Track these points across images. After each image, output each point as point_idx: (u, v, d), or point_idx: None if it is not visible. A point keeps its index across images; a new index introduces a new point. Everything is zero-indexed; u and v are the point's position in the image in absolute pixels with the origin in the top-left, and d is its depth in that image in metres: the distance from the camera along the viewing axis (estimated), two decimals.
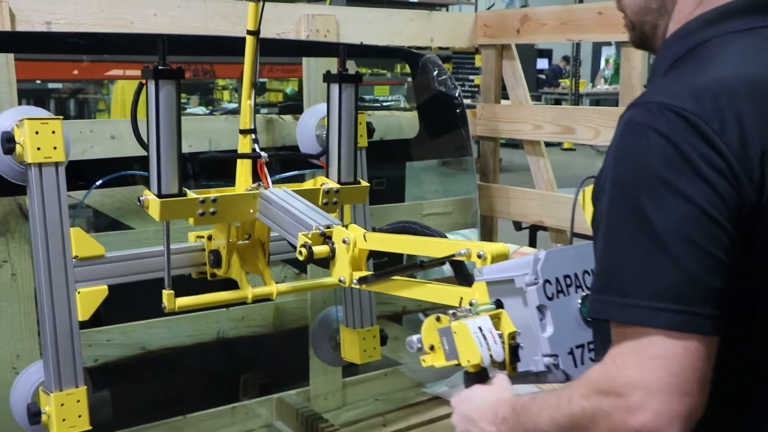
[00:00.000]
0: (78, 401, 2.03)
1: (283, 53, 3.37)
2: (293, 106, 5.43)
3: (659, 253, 1.06)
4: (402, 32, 3.20)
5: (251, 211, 2.06)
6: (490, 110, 3.43)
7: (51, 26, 2.42)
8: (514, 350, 1.42)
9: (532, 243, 4.57)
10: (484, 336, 1.39)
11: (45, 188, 1.97)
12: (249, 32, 2.10)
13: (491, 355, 1.39)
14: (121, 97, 6.56)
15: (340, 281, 1.85)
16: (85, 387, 2.05)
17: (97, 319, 2.65)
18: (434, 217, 3.33)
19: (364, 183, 2.38)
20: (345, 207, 2.41)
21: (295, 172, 2.51)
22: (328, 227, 1.87)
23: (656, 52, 1.35)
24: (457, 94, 3.27)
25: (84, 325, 2.26)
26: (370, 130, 2.65)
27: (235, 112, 8.40)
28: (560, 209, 3.09)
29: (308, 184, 2.31)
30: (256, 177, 2.14)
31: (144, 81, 1.91)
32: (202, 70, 4.60)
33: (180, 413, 2.78)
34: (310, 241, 1.83)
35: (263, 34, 2.79)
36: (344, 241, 1.82)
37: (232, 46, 2.39)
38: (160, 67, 1.89)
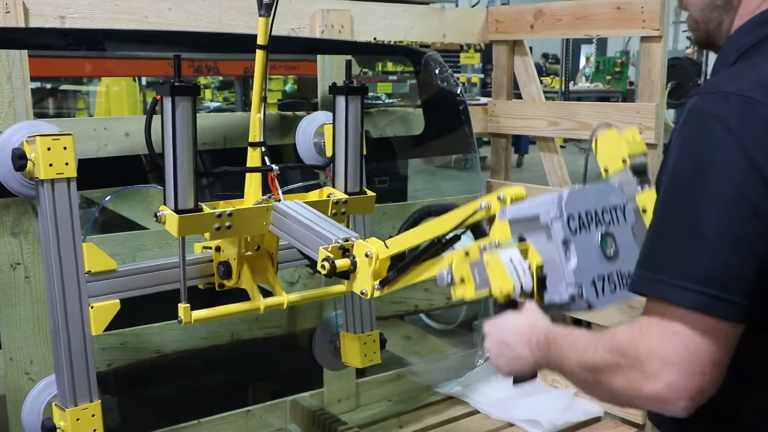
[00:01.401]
0: (93, 415, 1.99)
1: (289, 51, 3.32)
2: (293, 103, 5.37)
3: (698, 238, 1.11)
4: (414, 28, 3.15)
5: (264, 224, 2.04)
6: (502, 107, 3.40)
7: (65, 21, 2.35)
8: (541, 281, 1.49)
9: None
10: (514, 267, 1.47)
11: (57, 205, 1.92)
12: (259, 47, 2.05)
13: (521, 285, 1.46)
14: (105, 98, 6.47)
15: (362, 293, 1.83)
16: (100, 401, 2.01)
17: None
18: None
19: (370, 193, 2.37)
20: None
21: (303, 184, 2.49)
22: (347, 240, 1.86)
23: (720, 48, 1.36)
24: (458, 91, 3.24)
25: None
26: (368, 138, 2.65)
27: (219, 110, 8.31)
28: None
29: (315, 195, 2.30)
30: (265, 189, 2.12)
31: (159, 97, 1.88)
32: (206, 66, 4.53)
33: (194, 417, 2.72)
34: (332, 255, 1.82)
35: (278, 30, 2.77)
36: (367, 255, 1.81)
37: (244, 44, 2.34)
38: (176, 84, 1.85)
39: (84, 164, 2.30)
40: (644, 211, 1.85)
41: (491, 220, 1.59)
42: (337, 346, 2.65)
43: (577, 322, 3.48)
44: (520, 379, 1.53)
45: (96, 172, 2.38)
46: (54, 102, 7.08)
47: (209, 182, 3.03)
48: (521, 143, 12.09)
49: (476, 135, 3.28)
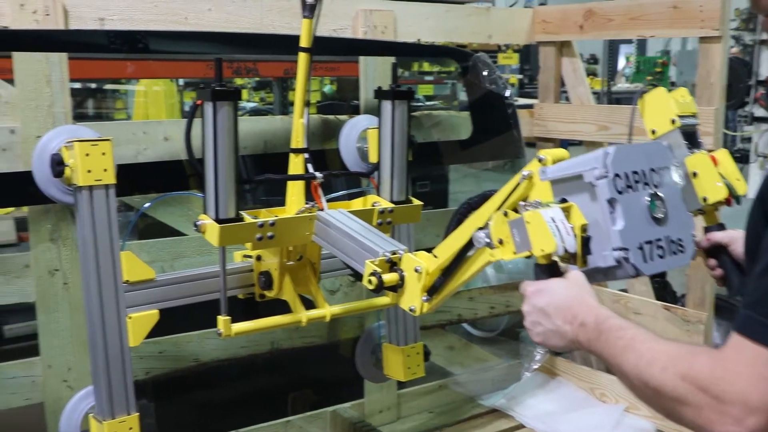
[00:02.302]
0: (130, 428, 1.94)
1: (332, 52, 3.24)
2: (333, 105, 5.30)
3: None
4: (460, 29, 3.06)
5: (307, 233, 1.97)
6: (549, 110, 3.29)
7: (104, 23, 2.30)
8: (585, 242, 1.42)
9: None
10: (557, 227, 1.39)
11: (95, 212, 1.86)
12: (302, 49, 1.97)
13: (564, 246, 1.38)
14: (144, 99, 6.47)
15: (410, 310, 1.75)
16: (138, 414, 1.96)
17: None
18: None
19: (417, 201, 2.28)
20: None
21: (347, 192, 2.40)
22: (394, 253, 1.78)
23: None
24: (507, 94, 3.15)
25: None
26: (413, 143, 2.55)
27: (256, 110, 8.29)
28: None
29: (359, 204, 2.22)
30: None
31: (200, 101, 1.81)
32: (245, 68, 4.48)
33: (232, 427, 2.66)
34: (379, 269, 1.74)
35: (319, 31, 2.70)
36: (416, 270, 1.72)
37: (287, 45, 2.28)
38: (217, 88, 1.79)
39: (123, 169, 2.27)
40: (695, 174, 1.75)
41: None
42: (380, 357, 2.58)
43: None
44: (553, 351, 1.46)
45: (135, 178, 2.33)
46: (94, 102, 7.11)
47: (251, 187, 2.97)
48: (561, 145, 11.92)
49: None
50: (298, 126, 2.00)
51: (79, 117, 6.75)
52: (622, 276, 1.45)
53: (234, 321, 1.98)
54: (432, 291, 1.70)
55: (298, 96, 2.00)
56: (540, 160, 1.50)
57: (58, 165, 1.84)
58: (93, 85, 6.93)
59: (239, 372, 2.81)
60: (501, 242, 1.49)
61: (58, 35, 2.21)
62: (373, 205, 2.14)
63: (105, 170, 1.86)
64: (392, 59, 2.70)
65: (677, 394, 1.13)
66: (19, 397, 2.29)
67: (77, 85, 6.71)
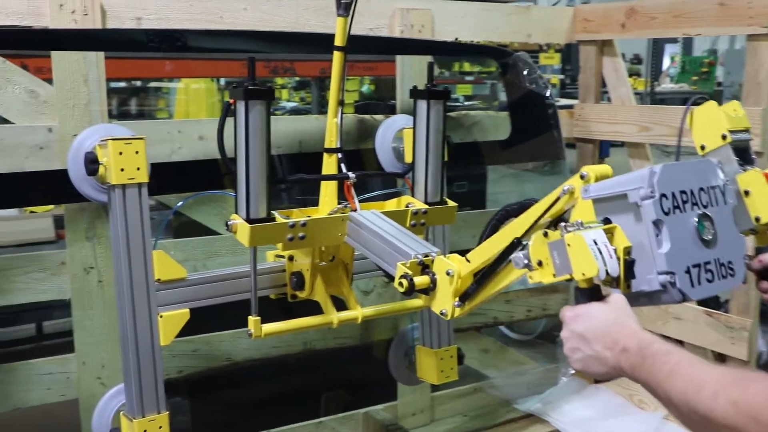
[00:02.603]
0: (160, 427, 1.94)
1: (368, 51, 3.22)
2: (370, 105, 5.28)
3: None
4: (498, 28, 3.02)
5: (340, 234, 1.94)
6: (589, 110, 3.22)
7: (141, 22, 2.31)
8: (629, 266, 1.36)
9: None
10: (599, 249, 1.34)
11: (128, 210, 1.87)
12: (337, 48, 1.95)
13: (606, 270, 1.33)
14: (184, 97, 6.53)
15: (441, 314, 1.71)
16: (167, 413, 1.96)
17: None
18: None
19: (452, 203, 2.24)
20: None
21: (381, 192, 2.37)
22: (427, 255, 1.74)
23: None
24: (548, 94, 3.09)
25: None
26: (449, 144, 2.51)
27: (295, 110, 8.30)
28: None
29: (393, 205, 2.19)
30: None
31: (232, 101, 1.80)
32: (282, 67, 4.49)
33: (264, 427, 2.65)
34: (410, 272, 1.71)
35: (356, 30, 2.68)
36: (448, 273, 1.69)
37: (323, 43, 2.25)
38: (250, 87, 1.77)
39: (157, 168, 2.27)
40: (747, 193, 1.67)
41: None
42: (413, 360, 2.55)
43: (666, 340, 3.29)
44: (596, 378, 1.40)
45: (170, 177, 2.33)
46: (137, 101, 7.21)
47: (287, 186, 2.96)
48: (602, 145, 11.73)
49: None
50: (331, 125, 1.98)
51: (123, 115, 6.87)
52: (668, 301, 1.40)
53: (270, 321, 1.97)
54: (464, 297, 1.66)
55: (332, 95, 1.99)
56: (582, 177, 1.45)
57: (91, 163, 1.85)
58: (137, 83, 7.03)
59: (272, 372, 2.81)
60: (540, 264, 1.44)
61: (99, 34, 2.23)
62: (407, 206, 2.11)
63: (138, 169, 1.86)
64: (429, 58, 2.68)
65: (728, 422, 1.08)
66: (55, 392, 2.31)
67: (121, 84, 6.82)
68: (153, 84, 7.17)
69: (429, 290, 1.69)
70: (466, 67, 12.15)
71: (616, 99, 3.18)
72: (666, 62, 19.16)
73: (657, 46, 17.97)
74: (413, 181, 2.18)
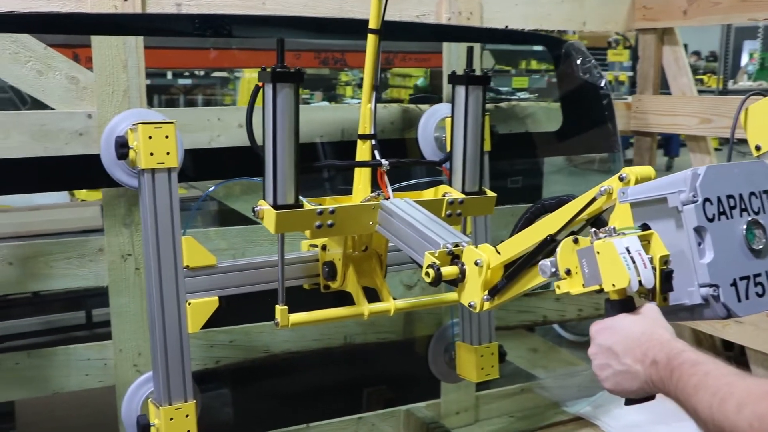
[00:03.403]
0: (187, 416, 1.91)
1: (412, 38, 3.14)
2: (423, 99, 5.20)
3: None
4: (551, 15, 2.91)
5: (371, 223, 1.88)
6: (647, 102, 3.09)
7: (181, 7, 2.29)
8: (666, 277, 1.26)
9: None
10: (632, 258, 1.23)
11: (157, 195, 1.85)
12: (371, 31, 1.89)
13: (640, 281, 1.22)
14: (247, 88, 6.56)
15: (470, 306, 1.63)
16: (195, 401, 1.93)
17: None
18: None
19: (490, 193, 2.16)
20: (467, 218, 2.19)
21: (417, 181, 2.30)
22: (457, 245, 1.66)
23: None
24: (603, 84, 2.96)
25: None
26: (494, 133, 2.45)
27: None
28: None
29: (430, 194, 2.12)
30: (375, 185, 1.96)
31: (261, 84, 1.75)
32: (332, 58, 4.44)
33: (301, 420, 2.62)
34: (438, 262, 1.63)
35: (401, 17, 2.62)
36: (476, 263, 1.60)
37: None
38: (278, 70, 1.72)
39: (196, 155, 2.25)
40: None
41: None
42: (453, 356, 2.47)
43: (729, 347, 3.13)
44: (631, 398, 1.26)
45: (207, 164, 2.32)
46: (203, 90, 7.31)
47: (330, 176, 2.91)
48: (672, 145, 11.36)
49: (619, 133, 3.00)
50: (365, 111, 1.92)
51: (189, 104, 7.00)
52: (711, 316, 1.28)
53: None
54: (494, 292, 1.58)
55: (366, 80, 1.92)
56: (621, 179, 1.35)
57: (121, 147, 1.83)
58: (201, 73, 7.13)
59: (310, 365, 2.76)
60: (568, 273, 1.35)
61: (148, 19, 2.22)
62: (444, 196, 2.03)
63: (168, 153, 1.84)
64: (477, 46, 2.60)
65: None
66: (93, 379, 2.31)
67: (186, 74, 6.94)
68: (220, 74, 7.26)
69: (458, 281, 1.61)
70: (534, 65, 11.95)
71: (676, 90, 3.04)
72: (744, 59, 18.50)
73: (735, 42, 17.36)
74: (451, 170, 2.11)
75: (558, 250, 1.36)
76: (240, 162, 2.38)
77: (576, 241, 1.35)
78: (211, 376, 2.52)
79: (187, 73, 7.09)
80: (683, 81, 3.01)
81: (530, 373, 3.18)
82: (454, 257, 1.64)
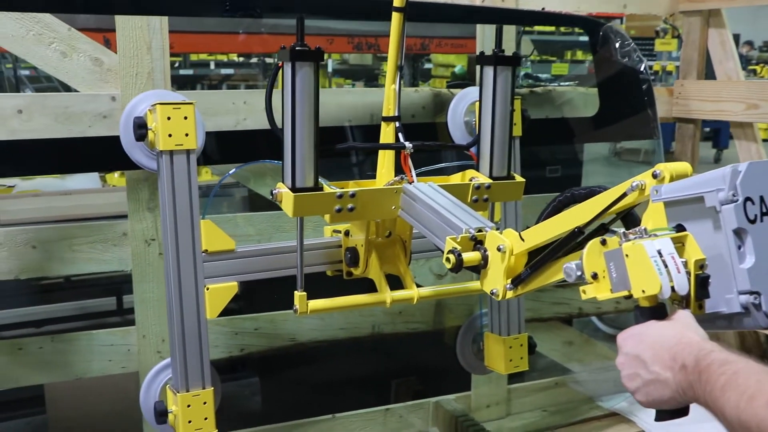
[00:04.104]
0: (204, 403, 1.87)
1: (449, 19, 3.05)
2: (462, 85, 5.11)
3: None
4: None
5: (393, 207, 1.81)
6: (691, 87, 2.96)
7: None
8: (702, 283, 1.17)
9: None
10: (664, 262, 1.14)
11: (176, 177, 1.80)
12: (395, 9, 1.82)
13: (672, 287, 1.13)
14: None
15: (492, 294, 1.56)
16: (212, 388, 1.89)
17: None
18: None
19: (519, 178, 2.07)
20: (496, 204, 2.13)
21: (443, 165, 2.23)
22: (480, 230, 1.59)
23: None
24: (642, 68, 2.85)
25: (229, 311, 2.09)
26: (525, 118, 2.36)
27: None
28: None
29: (456, 179, 2.04)
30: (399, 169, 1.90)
31: (281, 63, 1.70)
32: (366, 44, 4.37)
33: (327, 411, 2.57)
34: (459, 247, 1.56)
35: None
36: (499, 249, 1.53)
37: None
38: (297, 48, 1.66)
39: (221, 138, 2.21)
40: None
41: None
42: (481, 347, 2.40)
43: None
44: (663, 412, 1.17)
45: (233, 147, 2.28)
46: (245, 75, 7.33)
47: (359, 160, 2.85)
48: (720, 136, 11.04)
49: (659, 120, 2.88)
50: (389, 92, 1.86)
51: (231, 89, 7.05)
52: (752, 326, 1.20)
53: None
54: (517, 281, 1.51)
55: (390, 60, 1.86)
56: (655, 176, 1.27)
57: (139, 128, 1.79)
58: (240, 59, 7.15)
59: (337, 354, 2.71)
60: (595, 277, 1.28)
61: None
62: (470, 181, 1.95)
63: (186, 135, 1.79)
64: (512, 28, 2.51)
65: None
66: (116, 364, 2.29)
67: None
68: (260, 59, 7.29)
69: (480, 268, 1.54)
70: (579, 55, 11.77)
71: (721, 74, 2.91)
72: None
73: None
74: (478, 155, 2.03)
75: (584, 252, 1.28)
76: (266, 145, 2.34)
77: (604, 242, 1.26)
78: (236, 364, 2.48)
79: (227, 61, 7.11)
80: (729, 65, 2.88)
81: (565, 366, 3.09)
82: (477, 243, 1.57)
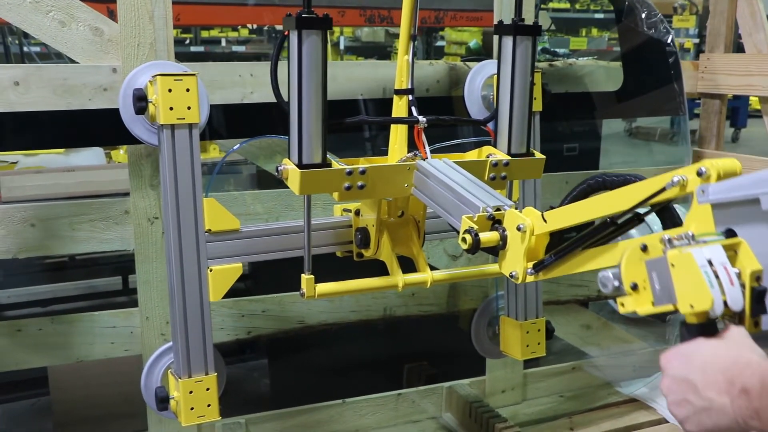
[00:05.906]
0: (207, 389, 1.79)
1: None
2: (477, 59, 4.99)
3: None
4: None
5: (405, 185, 1.71)
6: (718, 61, 2.84)
7: None
8: (758, 296, 1.03)
9: None
10: (715, 273, 1.01)
11: (177, 153, 1.71)
12: None
13: (725, 301, 1.00)
14: None
15: (511, 276, 1.45)
16: (216, 374, 1.81)
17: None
18: None
19: (539, 155, 1.97)
20: (514, 183, 2.03)
21: (458, 141, 2.10)
22: (498, 209, 1.48)
23: None
24: (669, 40, 2.72)
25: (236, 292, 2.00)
26: (546, 92, 2.25)
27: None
28: None
29: (472, 155, 1.93)
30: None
31: (287, 32, 1.59)
32: (378, 16, 4.24)
33: (338, 397, 2.49)
34: (475, 227, 1.46)
35: None
36: (519, 228, 1.43)
37: None
38: (303, 15, 1.56)
39: (227, 111, 2.12)
40: None
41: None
42: (497, 331, 2.31)
43: None
44: None
45: (240, 121, 2.18)
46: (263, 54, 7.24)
47: (372, 135, 2.75)
48: (738, 115, 10.80)
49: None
50: (402, 64, 1.76)
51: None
52: None
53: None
54: (539, 267, 1.40)
55: (403, 30, 1.75)
56: (700, 174, 1.13)
57: (139, 101, 1.70)
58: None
59: (348, 338, 2.63)
60: (635, 288, 1.14)
61: None
62: (488, 157, 1.85)
63: (189, 108, 1.70)
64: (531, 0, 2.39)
65: None
66: (119, 347, 2.22)
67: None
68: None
69: (498, 249, 1.44)
70: (594, 32, 11.62)
71: (750, 47, 2.78)
72: None
73: None
74: (496, 130, 1.92)
75: (623, 259, 1.15)
76: (275, 120, 2.24)
77: (645, 249, 1.13)
78: (244, 346, 2.40)
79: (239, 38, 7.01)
80: (759, 37, 2.75)
81: (582, 350, 3.00)
82: (495, 222, 1.46)
